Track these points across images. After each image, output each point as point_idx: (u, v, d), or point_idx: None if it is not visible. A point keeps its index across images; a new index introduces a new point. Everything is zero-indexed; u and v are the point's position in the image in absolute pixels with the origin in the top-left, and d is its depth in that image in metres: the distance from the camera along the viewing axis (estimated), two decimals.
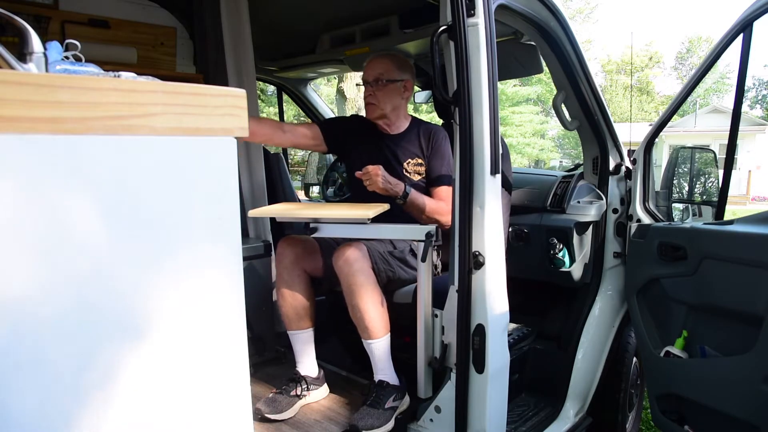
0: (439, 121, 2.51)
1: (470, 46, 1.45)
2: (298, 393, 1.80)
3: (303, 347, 1.88)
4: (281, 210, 1.79)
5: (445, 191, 1.90)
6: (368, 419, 1.63)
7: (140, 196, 0.61)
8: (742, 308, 1.56)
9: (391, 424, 1.66)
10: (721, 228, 1.62)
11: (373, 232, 1.73)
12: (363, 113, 2.08)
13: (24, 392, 0.53)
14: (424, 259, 1.64)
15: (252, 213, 1.76)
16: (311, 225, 1.72)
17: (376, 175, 1.75)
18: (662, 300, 1.87)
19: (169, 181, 0.64)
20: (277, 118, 3.46)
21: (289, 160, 3.76)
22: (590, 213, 2.10)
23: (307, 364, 1.89)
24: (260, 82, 3.46)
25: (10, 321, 0.52)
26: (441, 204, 1.88)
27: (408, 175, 1.97)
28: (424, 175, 1.99)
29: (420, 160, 1.99)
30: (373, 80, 1.96)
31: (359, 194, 2.03)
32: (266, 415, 1.71)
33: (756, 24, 1.67)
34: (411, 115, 2.11)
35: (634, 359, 2.29)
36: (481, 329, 1.50)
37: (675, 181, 2.19)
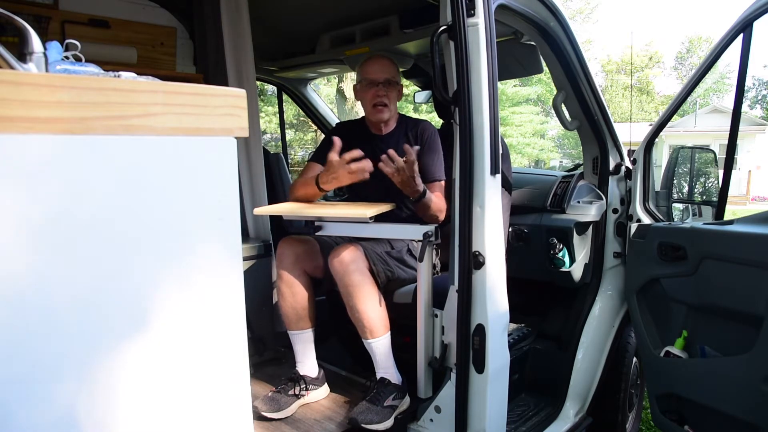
0: (439, 121, 2.51)
1: (470, 46, 1.45)
2: (297, 393, 1.80)
3: (303, 347, 1.88)
4: (287, 209, 1.80)
5: (438, 186, 1.89)
6: (367, 414, 1.63)
7: (140, 197, 0.61)
8: (742, 308, 1.56)
9: (390, 423, 1.65)
10: (721, 228, 1.62)
11: (374, 231, 1.76)
12: (359, 116, 2.07)
13: (26, 391, 0.53)
14: (421, 259, 1.64)
15: (258, 211, 1.83)
16: (316, 223, 1.74)
17: (410, 170, 1.66)
18: (662, 300, 1.87)
19: (169, 181, 0.64)
20: (277, 118, 3.45)
21: (289, 160, 3.76)
22: (590, 213, 2.10)
23: (307, 364, 1.88)
24: (260, 82, 3.46)
25: (11, 321, 0.52)
26: (439, 201, 1.88)
27: None
28: None
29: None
30: (384, 81, 1.95)
31: (358, 195, 2.06)
32: (263, 414, 1.71)
33: (756, 24, 1.67)
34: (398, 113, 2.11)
35: (634, 359, 2.29)
36: (481, 329, 1.50)
37: (675, 181, 2.19)
